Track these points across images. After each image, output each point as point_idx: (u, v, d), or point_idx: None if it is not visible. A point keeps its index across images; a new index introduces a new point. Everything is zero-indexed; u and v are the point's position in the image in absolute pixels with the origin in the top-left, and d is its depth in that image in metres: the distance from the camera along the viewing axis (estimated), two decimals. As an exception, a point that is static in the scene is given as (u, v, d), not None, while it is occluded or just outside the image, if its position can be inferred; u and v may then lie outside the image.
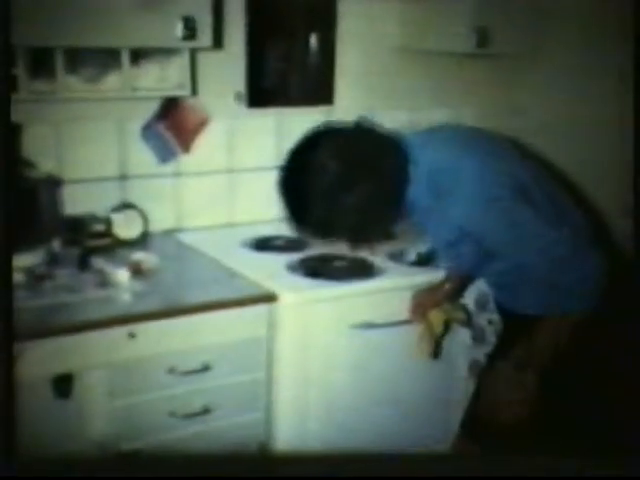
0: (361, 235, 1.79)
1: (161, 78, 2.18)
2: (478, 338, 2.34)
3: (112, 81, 2.13)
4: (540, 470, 1.36)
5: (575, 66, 2.65)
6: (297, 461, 1.46)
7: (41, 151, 2.18)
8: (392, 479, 1.36)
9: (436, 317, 2.14)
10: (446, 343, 2.26)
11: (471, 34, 2.47)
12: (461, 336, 2.30)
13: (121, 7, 1.95)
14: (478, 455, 1.85)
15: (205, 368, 1.98)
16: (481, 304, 2.29)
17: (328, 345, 2.13)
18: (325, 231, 1.77)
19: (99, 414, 1.87)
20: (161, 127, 2.36)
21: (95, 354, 1.85)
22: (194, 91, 2.33)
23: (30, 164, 2.13)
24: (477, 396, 1.96)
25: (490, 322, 2.34)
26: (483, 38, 2.45)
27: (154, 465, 1.34)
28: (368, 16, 2.62)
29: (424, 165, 1.74)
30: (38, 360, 1.77)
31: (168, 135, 2.38)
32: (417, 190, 1.74)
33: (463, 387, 2.33)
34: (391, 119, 2.69)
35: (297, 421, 2.12)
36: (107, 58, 2.10)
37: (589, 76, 2.60)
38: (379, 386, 2.22)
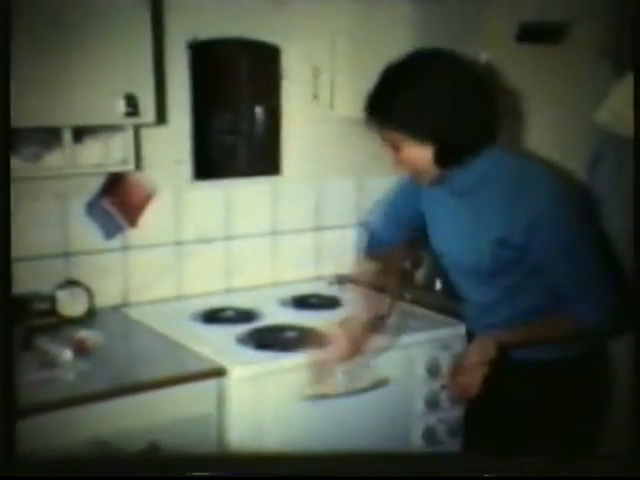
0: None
1: (104, 154, 2.18)
2: (431, 404, 2.33)
3: (54, 159, 2.12)
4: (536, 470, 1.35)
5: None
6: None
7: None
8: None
9: None
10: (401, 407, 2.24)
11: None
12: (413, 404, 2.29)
13: (61, 84, 1.96)
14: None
15: (153, 448, 1.92)
16: (432, 371, 2.29)
17: (281, 418, 2.09)
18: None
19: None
20: (106, 202, 2.35)
21: (38, 439, 1.79)
22: (138, 166, 2.33)
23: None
24: None
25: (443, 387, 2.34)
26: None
27: (154, 465, 1.30)
28: (313, 85, 2.67)
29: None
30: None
31: (113, 210, 2.36)
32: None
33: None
34: (340, 188, 2.77)
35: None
36: (48, 136, 2.09)
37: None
38: (333, 456, 2.18)
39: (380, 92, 1.73)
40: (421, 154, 1.73)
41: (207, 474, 1.32)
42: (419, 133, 1.70)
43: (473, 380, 1.77)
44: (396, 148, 1.76)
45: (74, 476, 1.29)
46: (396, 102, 1.69)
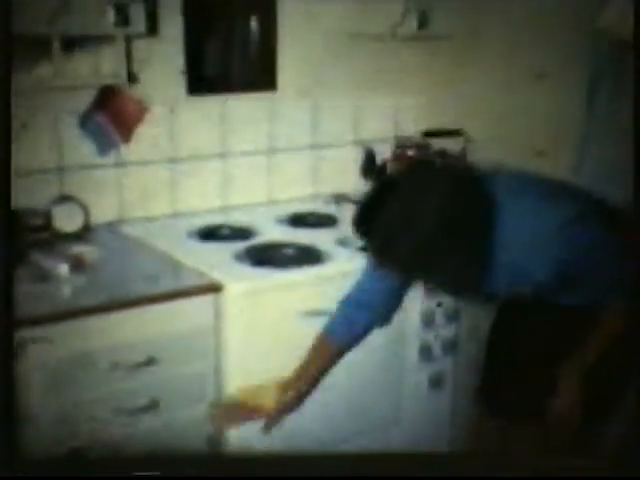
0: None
1: (95, 67, 2.13)
2: (428, 321, 2.35)
3: (44, 71, 2.07)
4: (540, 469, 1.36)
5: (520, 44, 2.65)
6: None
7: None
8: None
9: None
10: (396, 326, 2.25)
11: (412, 16, 2.46)
12: (410, 320, 2.30)
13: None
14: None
15: (150, 361, 1.94)
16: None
17: (276, 334, 2.10)
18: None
19: (41, 411, 1.83)
20: (99, 117, 2.30)
21: (35, 350, 1.80)
22: (132, 79, 2.28)
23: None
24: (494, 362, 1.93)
25: (439, 304, 2.35)
26: (423, 20, 2.45)
27: (154, 465, 1.31)
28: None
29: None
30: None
31: (107, 125, 2.32)
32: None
33: (414, 372, 2.34)
34: (337, 105, 2.73)
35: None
36: (37, 48, 2.03)
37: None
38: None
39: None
40: None
41: (205, 475, 1.32)
42: None
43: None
44: None
45: (74, 476, 1.29)
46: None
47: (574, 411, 1.71)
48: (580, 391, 1.70)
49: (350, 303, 1.84)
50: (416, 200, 1.56)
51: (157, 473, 1.29)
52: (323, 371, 1.88)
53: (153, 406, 1.96)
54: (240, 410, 1.85)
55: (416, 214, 1.55)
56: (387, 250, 1.61)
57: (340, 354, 1.87)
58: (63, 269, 1.96)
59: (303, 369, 1.86)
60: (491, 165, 1.86)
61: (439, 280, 1.70)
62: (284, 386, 1.85)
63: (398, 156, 2.74)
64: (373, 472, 1.38)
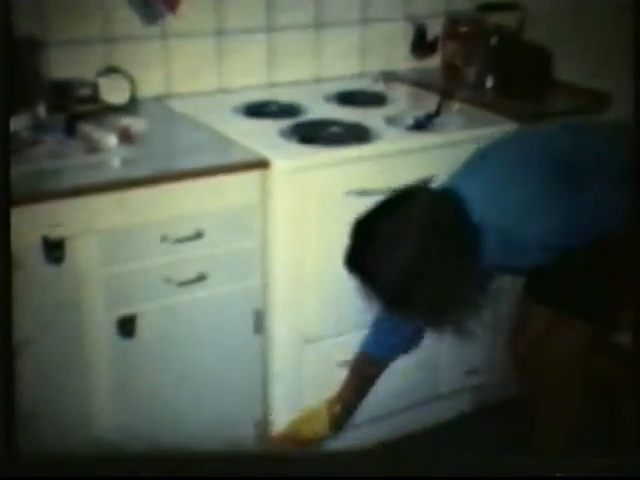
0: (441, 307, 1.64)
1: None
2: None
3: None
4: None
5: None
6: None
7: (19, 9, 2.07)
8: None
9: None
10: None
11: None
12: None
13: None
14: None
15: (198, 235, 1.96)
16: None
17: (323, 212, 2.10)
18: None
19: (93, 280, 1.87)
20: (145, -15, 2.25)
21: (86, 220, 1.83)
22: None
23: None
24: None
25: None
26: None
27: (154, 465, 1.33)
28: None
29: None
30: (28, 226, 1.74)
31: (153, -6, 2.26)
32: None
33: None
34: None
35: (293, 286, 2.12)
36: None
37: None
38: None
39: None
40: None
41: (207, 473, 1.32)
42: None
43: None
44: None
45: (74, 476, 1.30)
46: None
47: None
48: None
49: (378, 332, 1.88)
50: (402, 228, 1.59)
51: (158, 473, 1.31)
52: (369, 383, 1.95)
53: (201, 278, 1.99)
54: (294, 441, 1.92)
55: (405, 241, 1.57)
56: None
57: (384, 367, 1.94)
58: (112, 140, 1.95)
59: (349, 385, 1.93)
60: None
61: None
62: (332, 403, 1.92)
63: (450, 32, 2.64)
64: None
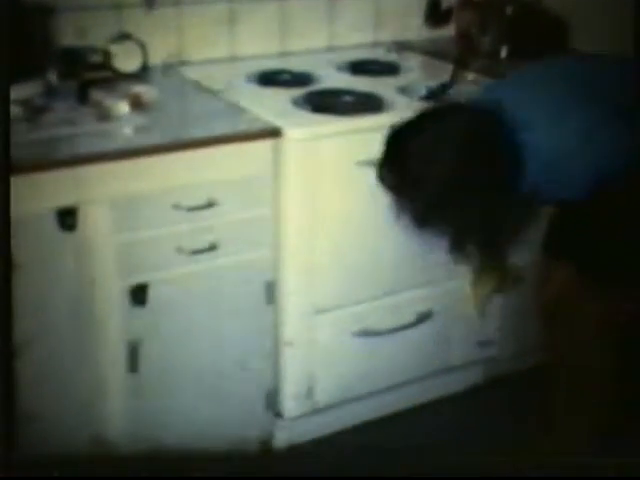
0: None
1: None
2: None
3: None
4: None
5: None
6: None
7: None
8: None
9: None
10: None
11: None
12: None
13: None
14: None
15: (210, 204, 1.95)
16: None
17: (335, 181, 2.09)
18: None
19: (105, 248, 1.86)
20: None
21: (98, 188, 1.82)
22: None
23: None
24: None
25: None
26: None
27: (154, 464, 1.33)
28: None
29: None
30: (40, 194, 1.74)
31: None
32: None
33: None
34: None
35: (305, 257, 2.12)
36: None
37: None
38: (386, 222, 2.19)
39: None
40: None
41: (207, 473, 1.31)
42: None
43: None
44: None
45: (74, 476, 1.30)
46: None
47: None
48: None
49: None
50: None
51: (157, 473, 1.31)
52: None
53: (212, 248, 1.98)
54: None
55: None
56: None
57: None
58: (124, 108, 1.94)
59: None
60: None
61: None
62: None
63: (465, 1, 2.60)
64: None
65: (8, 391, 1.30)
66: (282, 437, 2.22)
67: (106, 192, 1.83)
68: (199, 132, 1.97)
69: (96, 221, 1.83)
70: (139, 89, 2.03)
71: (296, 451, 2.15)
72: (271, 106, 2.11)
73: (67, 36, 2.15)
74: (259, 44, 2.47)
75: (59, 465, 1.31)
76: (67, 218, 1.78)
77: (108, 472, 1.33)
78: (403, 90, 2.27)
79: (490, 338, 2.43)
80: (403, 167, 1.58)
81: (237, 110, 2.09)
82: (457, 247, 1.67)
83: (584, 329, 1.79)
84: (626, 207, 1.65)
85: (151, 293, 1.94)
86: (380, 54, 2.58)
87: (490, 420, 2.26)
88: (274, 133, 1.99)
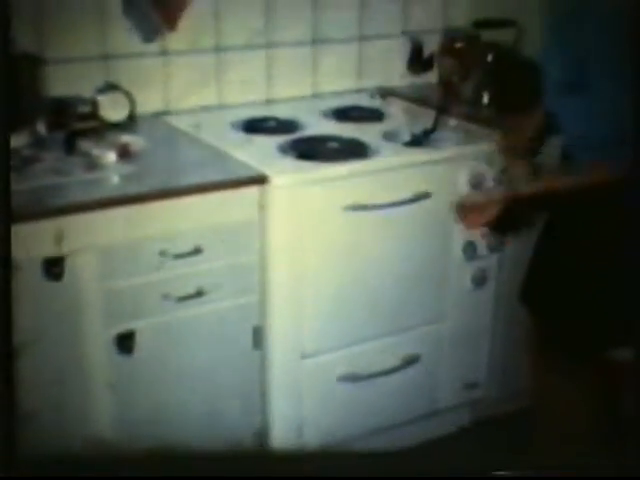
0: None
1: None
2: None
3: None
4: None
5: None
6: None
7: (18, 26, 2.09)
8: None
9: None
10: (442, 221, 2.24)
11: None
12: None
13: None
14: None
15: (197, 251, 1.97)
16: (475, 185, 2.27)
17: (321, 227, 2.11)
18: None
19: (91, 296, 1.87)
20: (143, 2, 2.26)
21: (86, 236, 1.84)
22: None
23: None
24: None
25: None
26: None
27: (155, 464, 1.33)
28: None
29: None
30: (28, 242, 1.75)
31: (151, 11, 2.28)
32: None
33: (457, 267, 2.34)
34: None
35: (292, 302, 2.13)
36: None
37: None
38: (373, 266, 2.22)
39: None
40: None
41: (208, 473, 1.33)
42: None
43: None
44: None
45: (74, 476, 1.31)
46: None
47: None
48: None
49: None
50: None
51: (156, 474, 1.31)
52: None
53: (199, 294, 2.00)
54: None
55: None
56: None
57: None
58: (111, 157, 1.97)
59: None
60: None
61: None
62: None
63: (447, 48, 2.66)
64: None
65: (8, 391, 1.30)
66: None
67: (93, 240, 1.85)
68: (186, 180, 1.99)
69: (83, 269, 1.85)
70: (126, 138, 2.07)
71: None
72: (257, 153, 2.14)
73: (55, 86, 2.19)
74: (245, 92, 2.51)
75: (59, 465, 1.31)
76: (54, 267, 1.80)
77: (108, 472, 1.32)
78: (387, 136, 2.31)
79: (476, 380, 2.44)
80: None
81: (223, 158, 2.12)
82: None
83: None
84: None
85: (138, 341, 1.95)
86: (364, 100, 2.63)
87: (477, 462, 2.26)
88: (260, 180, 2.02)
